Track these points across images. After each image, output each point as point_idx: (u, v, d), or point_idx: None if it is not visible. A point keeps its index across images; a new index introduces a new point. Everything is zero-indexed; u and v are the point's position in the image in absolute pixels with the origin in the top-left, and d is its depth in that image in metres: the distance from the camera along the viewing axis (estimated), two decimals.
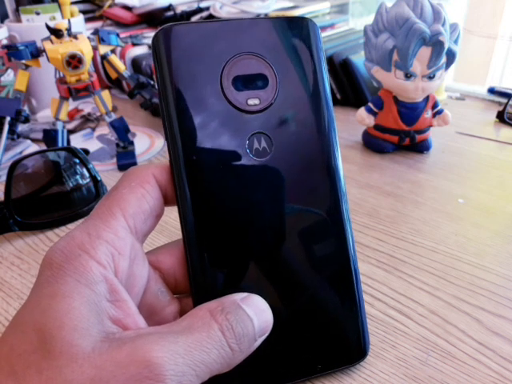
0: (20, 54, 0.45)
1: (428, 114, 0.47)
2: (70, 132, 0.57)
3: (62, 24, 0.45)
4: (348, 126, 0.56)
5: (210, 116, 0.21)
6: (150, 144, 0.54)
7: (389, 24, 0.44)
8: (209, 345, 0.17)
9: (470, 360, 0.25)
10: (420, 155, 0.49)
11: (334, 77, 0.61)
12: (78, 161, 0.40)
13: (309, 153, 0.22)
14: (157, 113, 0.62)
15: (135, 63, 0.67)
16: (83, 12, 0.72)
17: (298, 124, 0.22)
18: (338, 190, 0.23)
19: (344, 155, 0.48)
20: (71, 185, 0.40)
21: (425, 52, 0.43)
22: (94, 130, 0.59)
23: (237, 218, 0.21)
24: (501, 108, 0.57)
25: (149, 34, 0.73)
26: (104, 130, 0.58)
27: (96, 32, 0.48)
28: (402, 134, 0.48)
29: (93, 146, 0.54)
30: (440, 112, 0.47)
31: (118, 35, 0.50)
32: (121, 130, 0.49)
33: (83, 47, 0.45)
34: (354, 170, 0.46)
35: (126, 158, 0.49)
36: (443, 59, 0.44)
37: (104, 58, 0.50)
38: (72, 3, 0.60)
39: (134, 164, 0.49)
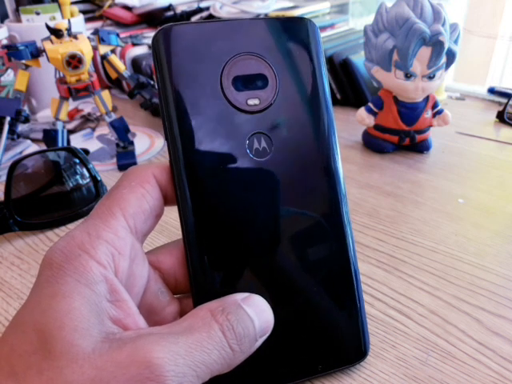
0: (20, 53, 0.45)
1: (428, 114, 0.47)
2: (70, 132, 0.57)
3: (61, 24, 0.45)
4: (348, 126, 0.56)
5: (210, 116, 0.21)
6: (149, 144, 0.54)
7: (389, 24, 0.44)
8: (209, 345, 0.17)
9: (470, 360, 0.25)
10: (420, 155, 0.49)
11: (334, 77, 0.61)
12: (78, 161, 0.40)
13: (309, 153, 0.22)
14: (157, 113, 0.62)
15: (135, 63, 0.67)
16: (83, 12, 0.72)
17: (297, 124, 0.22)
18: (338, 190, 0.23)
19: (344, 155, 0.48)
20: (71, 185, 0.40)
21: (425, 52, 0.43)
22: (94, 129, 0.59)
23: (237, 217, 0.21)
24: (501, 108, 0.57)
25: (149, 34, 0.73)
26: (104, 129, 0.58)
27: (96, 32, 0.48)
28: (402, 134, 0.48)
29: (93, 146, 0.54)
30: (440, 112, 0.47)
31: (118, 35, 0.50)
32: (121, 130, 0.49)
33: (83, 47, 0.45)
34: (353, 169, 0.46)
35: (126, 158, 0.49)
36: (443, 59, 0.44)
37: (104, 58, 0.50)
38: (72, 3, 0.60)
39: (134, 164, 0.49)
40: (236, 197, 0.21)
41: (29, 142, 0.55)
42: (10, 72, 0.58)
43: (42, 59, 0.46)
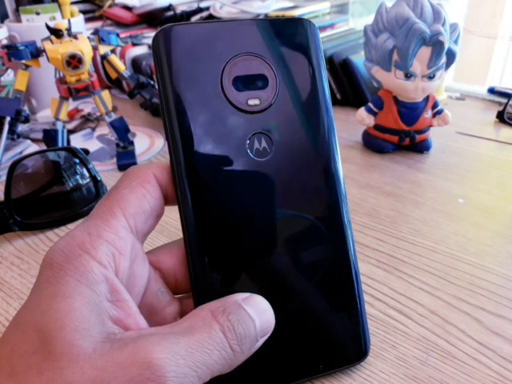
0: (20, 53, 0.45)
1: (428, 114, 0.47)
2: (70, 132, 0.57)
3: (61, 24, 0.45)
4: (348, 126, 0.56)
5: (211, 116, 0.21)
6: (149, 144, 0.54)
7: (389, 24, 0.44)
8: (210, 346, 0.17)
9: (470, 360, 0.25)
10: (420, 155, 0.49)
11: (334, 77, 0.61)
12: (78, 161, 0.40)
13: (308, 153, 0.22)
14: (157, 113, 0.62)
15: (135, 63, 0.67)
16: (83, 12, 0.72)
17: (297, 124, 0.22)
18: (338, 190, 0.23)
19: (344, 155, 0.48)
20: (71, 185, 0.40)
21: (425, 52, 0.43)
22: (94, 129, 0.59)
23: (238, 217, 0.21)
24: (501, 108, 0.57)
25: (149, 34, 0.73)
26: (104, 130, 0.58)
27: (96, 32, 0.48)
28: (402, 134, 0.48)
29: (93, 146, 0.54)
30: (440, 112, 0.47)
31: (118, 35, 0.50)
32: (121, 130, 0.49)
33: (83, 47, 0.45)
34: (354, 169, 0.46)
35: (126, 158, 0.49)
36: (443, 59, 0.44)
37: (104, 58, 0.50)
38: (72, 3, 0.60)
39: (134, 164, 0.49)
40: (236, 196, 0.21)
41: (29, 141, 0.55)
42: (10, 72, 0.58)
43: (42, 59, 0.46)
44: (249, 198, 0.21)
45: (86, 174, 0.40)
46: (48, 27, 0.44)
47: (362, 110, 0.48)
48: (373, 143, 0.50)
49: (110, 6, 0.81)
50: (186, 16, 0.77)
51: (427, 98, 0.47)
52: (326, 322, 0.23)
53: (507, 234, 0.35)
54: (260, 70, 0.22)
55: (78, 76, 0.46)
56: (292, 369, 0.23)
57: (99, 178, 0.40)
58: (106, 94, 0.49)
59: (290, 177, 0.22)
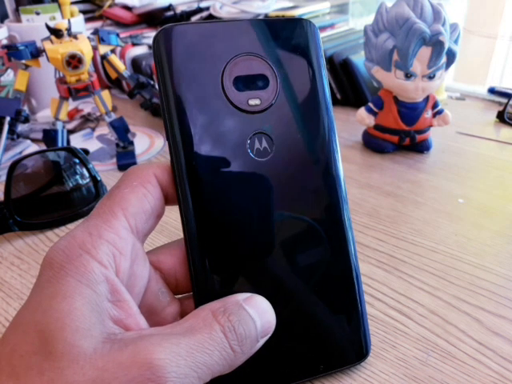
0: (20, 54, 0.45)
1: (428, 113, 0.47)
2: (70, 132, 0.57)
3: (61, 24, 0.45)
4: (348, 126, 0.56)
5: (211, 116, 0.21)
6: (149, 144, 0.54)
7: (389, 24, 0.44)
8: (211, 346, 0.17)
9: (470, 360, 0.25)
10: (420, 155, 0.49)
11: (334, 77, 0.61)
12: (77, 161, 0.40)
13: (309, 153, 0.22)
14: (157, 113, 0.62)
15: (135, 63, 0.67)
16: (83, 12, 0.72)
17: (298, 124, 0.22)
18: (339, 190, 0.23)
19: (344, 155, 0.48)
20: (71, 185, 0.40)
21: (425, 52, 0.43)
22: (93, 130, 0.59)
23: (239, 217, 0.21)
24: (501, 108, 0.57)
25: (149, 34, 0.73)
26: (104, 130, 0.58)
27: (96, 32, 0.48)
28: (402, 134, 0.48)
29: (93, 146, 0.54)
30: (440, 112, 0.47)
31: (117, 35, 0.50)
32: (121, 129, 0.49)
33: (83, 47, 0.45)
34: (354, 169, 0.46)
35: (125, 158, 0.49)
36: (443, 59, 0.44)
37: (104, 57, 0.50)
38: (72, 3, 0.60)
39: (134, 164, 0.49)
40: (237, 196, 0.21)
41: (29, 142, 0.55)
42: (10, 72, 0.58)
43: (42, 59, 0.46)
44: (249, 198, 0.21)
45: (86, 173, 0.40)
46: (48, 27, 0.44)
47: (362, 110, 0.48)
48: (373, 143, 0.50)
49: (109, 6, 0.81)
50: (186, 16, 0.77)
51: (427, 98, 0.47)
52: (327, 323, 0.23)
53: (507, 234, 0.36)
54: (260, 70, 0.22)
55: (77, 76, 0.46)
56: (292, 369, 0.23)
57: (99, 178, 0.40)
58: (105, 93, 0.49)
59: (291, 177, 0.22)
